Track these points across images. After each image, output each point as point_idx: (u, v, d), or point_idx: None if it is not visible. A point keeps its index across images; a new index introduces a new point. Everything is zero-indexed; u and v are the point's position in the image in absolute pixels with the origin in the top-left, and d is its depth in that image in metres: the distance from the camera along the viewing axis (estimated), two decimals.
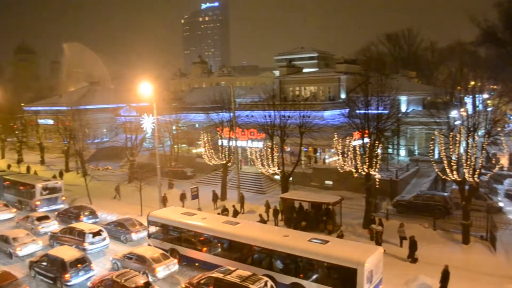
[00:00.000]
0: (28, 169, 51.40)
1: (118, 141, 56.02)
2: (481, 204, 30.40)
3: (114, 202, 39.31)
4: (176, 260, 23.10)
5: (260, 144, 39.32)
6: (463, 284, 20.54)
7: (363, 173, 29.52)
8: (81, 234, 26.06)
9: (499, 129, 26.93)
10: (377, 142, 29.39)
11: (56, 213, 33.85)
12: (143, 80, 36.33)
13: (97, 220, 32.51)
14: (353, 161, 30.34)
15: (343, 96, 51.53)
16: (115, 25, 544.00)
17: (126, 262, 22.94)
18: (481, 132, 26.48)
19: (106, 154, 57.67)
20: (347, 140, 31.88)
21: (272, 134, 34.80)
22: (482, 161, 25.36)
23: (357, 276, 17.95)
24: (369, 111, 30.32)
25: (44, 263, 22.53)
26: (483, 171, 25.83)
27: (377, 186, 30.66)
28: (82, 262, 22.08)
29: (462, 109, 27.71)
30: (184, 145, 55.33)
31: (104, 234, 26.89)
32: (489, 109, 28.97)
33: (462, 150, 25.97)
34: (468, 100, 27.99)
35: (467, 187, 26.15)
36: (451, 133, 25.78)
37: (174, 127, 53.39)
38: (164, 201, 35.09)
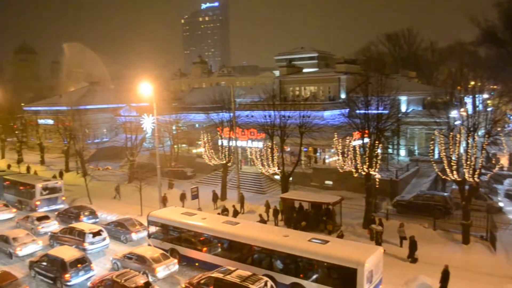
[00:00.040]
0: (28, 169, 51.40)
1: (118, 141, 56.04)
2: (481, 204, 30.39)
3: (114, 202, 39.31)
4: (176, 260, 23.10)
5: (260, 144, 39.32)
6: (463, 284, 20.54)
7: (363, 173, 29.52)
8: (81, 234, 26.06)
9: (499, 129, 26.93)
10: (377, 142, 29.39)
11: (56, 213, 33.86)
12: (143, 80, 36.35)
13: (97, 220, 32.50)
14: (353, 161, 30.34)
15: (343, 96, 51.54)
16: (115, 25, 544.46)
17: (126, 262, 22.94)
18: (481, 132, 26.48)
19: (106, 154, 57.67)
20: (347, 140, 31.88)
21: (272, 134, 34.80)
22: (482, 161, 25.36)
23: (357, 276, 17.94)
24: (369, 111, 30.32)
25: (44, 263, 22.52)
26: (483, 171, 25.83)
27: (377, 186, 30.65)
28: (82, 262, 22.08)
29: (462, 109, 27.71)
30: (184, 145, 55.34)
31: (104, 234, 26.89)
32: (489, 109, 28.98)
33: (462, 150, 25.97)
34: (468, 100, 27.99)
35: (467, 187, 26.14)
36: (451, 133, 25.77)
37: (174, 127, 53.39)
38: (164, 201, 35.10)
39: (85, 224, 28.69)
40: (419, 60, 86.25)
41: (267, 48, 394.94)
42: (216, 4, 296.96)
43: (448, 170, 25.78)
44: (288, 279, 20.18)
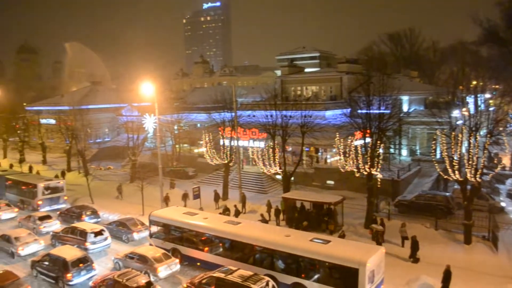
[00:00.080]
0: (30, 168, 51.51)
1: (120, 140, 56.02)
2: (483, 204, 30.30)
3: (116, 201, 39.36)
4: (177, 260, 23.12)
5: (261, 144, 39.34)
6: (465, 284, 20.51)
7: (365, 173, 29.50)
8: (83, 233, 26.09)
9: (501, 128, 26.88)
10: (378, 142, 29.36)
11: (58, 212, 33.93)
12: (144, 80, 36.37)
13: (99, 219, 32.54)
14: (355, 161, 30.33)
15: (345, 95, 51.45)
16: (116, 25, 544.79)
17: (127, 261, 22.96)
18: (483, 132, 26.43)
19: (108, 154, 57.68)
20: (349, 140, 31.86)
21: (273, 134, 34.80)
22: (484, 161, 25.29)
23: (359, 276, 17.92)
24: (371, 111, 30.29)
25: (46, 263, 22.56)
26: (485, 171, 25.79)
27: (378, 186, 30.62)
28: (84, 262, 22.11)
29: (464, 109, 27.67)
30: (186, 145, 55.38)
31: (106, 233, 26.91)
32: (491, 108, 28.94)
33: (464, 150, 25.91)
34: (470, 99, 27.94)
35: (469, 187, 26.07)
36: (453, 133, 25.72)
37: (176, 127, 53.43)
38: (166, 201, 35.16)
39: (87, 223, 28.72)
40: (421, 59, 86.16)
41: (268, 47, 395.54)
42: (218, 4, 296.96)
43: (450, 170, 25.71)
44: (289, 279, 20.17)
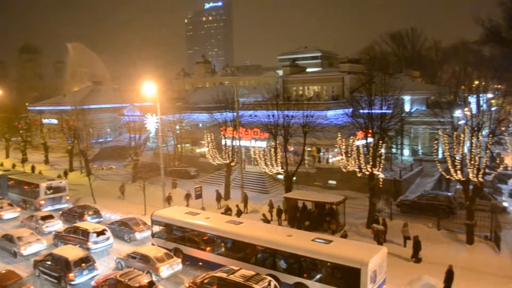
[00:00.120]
0: (33, 168, 51.61)
1: (122, 140, 56.14)
2: (485, 204, 30.22)
3: (118, 201, 39.39)
4: (179, 260, 23.13)
5: (263, 144, 39.32)
6: (467, 284, 20.48)
7: (367, 172, 29.47)
8: (85, 233, 26.15)
9: (503, 128, 26.87)
10: (380, 141, 29.35)
11: (60, 212, 34.01)
12: (146, 80, 36.40)
13: (101, 219, 32.60)
14: (357, 160, 30.28)
15: (346, 95, 51.40)
16: (118, 25, 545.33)
17: (130, 261, 23.00)
18: (485, 131, 26.37)
19: (110, 154, 57.84)
20: (351, 140, 31.81)
21: (275, 133, 34.80)
22: (486, 161, 25.27)
23: (361, 276, 17.92)
24: (373, 111, 30.26)
25: (49, 262, 22.62)
26: (487, 170, 25.74)
27: (380, 185, 30.59)
28: (86, 262, 22.18)
29: (466, 109, 27.65)
30: (187, 145, 55.41)
31: (108, 233, 26.97)
32: (493, 108, 28.87)
33: (466, 150, 25.88)
34: (472, 99, 27.91)
35: (471, 187, 26.04)
36: (455, 133, 25.69)
37: (177, 127, 53.47)
38: (168, 201, 35.20)
39: (89, 223, 28.79)
40: (423, 59, 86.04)
41: (270, 47, 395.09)
42: (220, 3, 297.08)
43: (452, 170, 25.69)
44: (291, 279, 20.19)
